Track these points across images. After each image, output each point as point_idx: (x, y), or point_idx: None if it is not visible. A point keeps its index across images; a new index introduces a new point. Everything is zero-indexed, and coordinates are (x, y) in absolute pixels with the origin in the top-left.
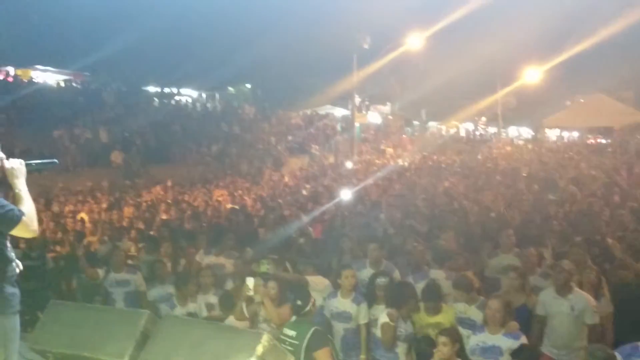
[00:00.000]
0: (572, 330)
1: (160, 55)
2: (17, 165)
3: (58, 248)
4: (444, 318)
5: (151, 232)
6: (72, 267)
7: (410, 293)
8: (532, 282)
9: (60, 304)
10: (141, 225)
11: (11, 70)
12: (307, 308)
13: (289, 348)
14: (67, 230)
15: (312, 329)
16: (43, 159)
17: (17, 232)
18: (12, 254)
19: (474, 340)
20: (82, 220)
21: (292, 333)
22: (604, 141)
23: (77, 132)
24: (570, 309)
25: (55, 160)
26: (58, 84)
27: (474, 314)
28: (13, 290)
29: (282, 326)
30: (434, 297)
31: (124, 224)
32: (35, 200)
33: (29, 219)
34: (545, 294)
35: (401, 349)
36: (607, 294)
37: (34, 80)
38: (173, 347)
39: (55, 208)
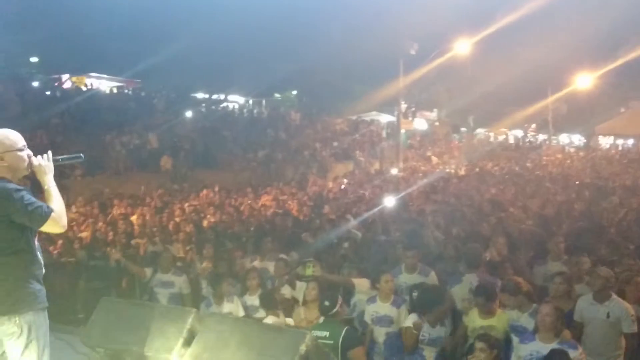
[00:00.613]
0: (607, 337)
1: (209, 63)
2: (44, 162)
3: (112, 250)
4: (498, 322)
5: (199, 235)
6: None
7: (438, 297)
8: (578, 290)
9: (110, 300)
10: (189, 228)
11: (67, 77)
12: (335, 309)
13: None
14: (118, 232)
15: (345, 328)
16: (93, 162)
17: (46, 228)
18: (39, 253)
19: (526, 350)
20: (132, 222)
21: (324, 334)
22: None
23: (128, 137)
24: (606, 316)
25: (81, 155)
26: (111, 90)
27: (526, 321)
28: (40, 287)
29: (310, 327)
30: (485, 295)
31: (171, 227)
32: (88, 203)
33: (58, 215)
34: (583, 299)
35: (428, 352)
36: None
37: (88, 87)
38: (218, 344)
39: (109, 210)
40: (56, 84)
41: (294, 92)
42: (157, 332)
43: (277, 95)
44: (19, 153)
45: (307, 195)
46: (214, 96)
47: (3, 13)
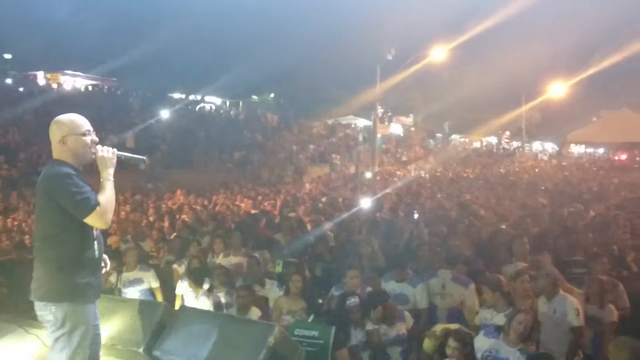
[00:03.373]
0: (555, 333)
1: (186, 63)
2: (109, 155)
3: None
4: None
5: (173, 234)
6: None
7: (379, 298)
8: None
9: None
10: (164, 227)
11: (41, 74)
12: (324, 308)
13: (310, 349)
14: None
15: (333, 328)
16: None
17: (89, 220)
18: (96, 243)
19: (486, 344)
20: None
21: (312, 333)
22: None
23: (103, 136)
24: (552, 312)
25: (144, 158)
26: (86, 88)
27: (500, 321)
28: (88, 279)
29: (294, 323)
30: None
31: (145, 224)
32: None
33: (103, 210)
34: (539, 299)
35: (391, 350)
36: (624, 300)
37: (62, 84)
38: (187, 337)
39: None
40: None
41: (272, 95)
42: (127, 326)
43: (254, 97)
44: (83, 137)
45: (283, 196)
46: (191, 97)
47: None
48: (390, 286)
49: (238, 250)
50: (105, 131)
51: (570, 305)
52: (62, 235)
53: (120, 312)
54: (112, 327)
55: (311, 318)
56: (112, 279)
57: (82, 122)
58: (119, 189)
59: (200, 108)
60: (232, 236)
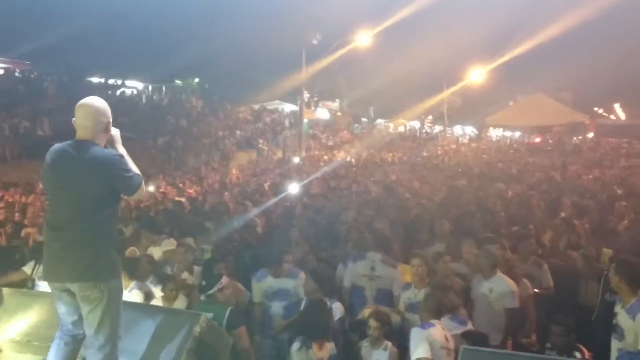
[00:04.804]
0: (491, 312)
1: (105, 46)
2: (117, 133)
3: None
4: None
5: None
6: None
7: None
8: (457, 269)
9: None
10: None
11: None
12: (213, 290)
13: None
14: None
15: (229, 308)
16: None
17: (136, 195)
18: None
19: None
20: (24, 211)
21: (209, 315)
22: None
23: (16, 122)
24: (489, 291)
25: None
26: None
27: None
28: (116, 256)
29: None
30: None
31: None
32: None
33: (143, 181)
34: (475, 277)
35: None
36: (547, 280)
37: None
38: None
39: None
40: None
41: (196, 80)
42: (43, 321)
43: (177, 81)
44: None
45: (209, 182)
46: (111, 81)
47: None
48: (268, 283)
49: (164, 238)
50: (18, 117)
51: (507, 287)
52: (106, 216)
53: (36, 306)
54: (27, 322)
55: (202, 297)
56: (28, 269)
57: None
58: (37, 179)
59: (121, 93)
60: (159, 226)
